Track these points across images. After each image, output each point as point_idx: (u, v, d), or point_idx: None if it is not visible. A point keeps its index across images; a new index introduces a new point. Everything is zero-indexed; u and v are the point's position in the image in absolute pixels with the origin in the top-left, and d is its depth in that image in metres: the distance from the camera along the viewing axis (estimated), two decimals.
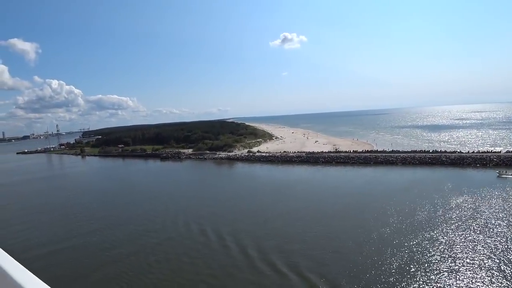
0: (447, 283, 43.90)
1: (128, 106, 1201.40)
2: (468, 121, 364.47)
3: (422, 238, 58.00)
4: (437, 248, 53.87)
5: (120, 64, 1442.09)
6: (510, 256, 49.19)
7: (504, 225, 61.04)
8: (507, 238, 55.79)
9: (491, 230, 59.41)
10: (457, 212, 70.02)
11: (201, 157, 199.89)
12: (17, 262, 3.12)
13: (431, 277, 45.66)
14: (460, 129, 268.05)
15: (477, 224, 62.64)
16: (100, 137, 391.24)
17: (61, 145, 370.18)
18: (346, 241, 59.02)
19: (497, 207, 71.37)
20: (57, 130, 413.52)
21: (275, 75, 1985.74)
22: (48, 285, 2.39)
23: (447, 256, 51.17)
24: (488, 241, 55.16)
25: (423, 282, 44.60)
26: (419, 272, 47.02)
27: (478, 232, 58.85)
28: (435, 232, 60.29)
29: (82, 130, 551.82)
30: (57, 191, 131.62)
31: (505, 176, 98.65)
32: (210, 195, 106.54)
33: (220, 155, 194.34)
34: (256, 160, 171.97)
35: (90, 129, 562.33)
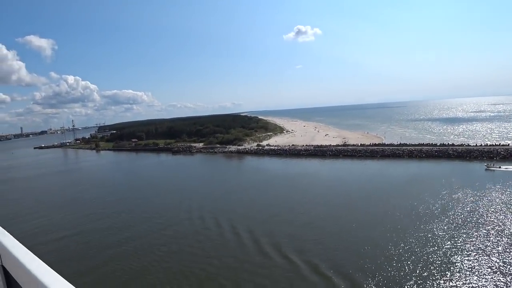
0: (436, 267, 45.77)
1: (143, 101, 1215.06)
2: (483, 114, 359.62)
3: (406, 226, 61.77)
4: (417, 233, 58.25)
5: (135, 59, 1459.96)
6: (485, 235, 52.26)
7: (482, 212, 66.33)
8: (483, 221, 61.72)
9: (471, 216, 64.69)
10: (440, 203, 74.19)
11: (212, 150, 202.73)
12: (44, 264, 3.18)
13: (415, 256, 47.88)
14: (473, 122, 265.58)
15: (458, 212, 67.46)
16: (114, 131, 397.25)
17: (76, 139, 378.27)
18: (331, 227, 61.19)
19: (477, 197, 76.06)
20: (73, 125, 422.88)
21: (289, 69, 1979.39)
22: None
23: (428, 240, 54.89)
24: (461, 225, 61.01)
25: (409, 261, 46.58)
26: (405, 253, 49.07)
27: (451, 220, 63.81)
28: (417, 222, 63.30)
29: (98, 125, 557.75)
30: (70, 187, 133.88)
31: (492, 169, 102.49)
32: (212, 188, 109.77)
33: (230, 149, 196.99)
34: (265, 154, 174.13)
35: (106, 124, 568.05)
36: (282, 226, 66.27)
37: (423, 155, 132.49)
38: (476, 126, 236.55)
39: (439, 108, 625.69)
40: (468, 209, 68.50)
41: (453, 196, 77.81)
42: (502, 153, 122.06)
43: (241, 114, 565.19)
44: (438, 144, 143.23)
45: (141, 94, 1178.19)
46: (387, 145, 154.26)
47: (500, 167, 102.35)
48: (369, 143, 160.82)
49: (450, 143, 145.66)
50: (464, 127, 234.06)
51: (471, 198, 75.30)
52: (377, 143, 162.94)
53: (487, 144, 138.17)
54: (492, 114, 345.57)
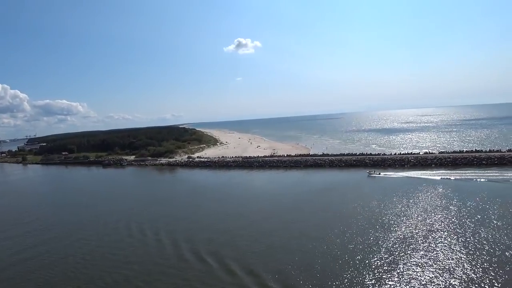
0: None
1: (78, 112, 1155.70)
2: (409, 125, 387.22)
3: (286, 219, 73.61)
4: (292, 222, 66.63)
5: (70, 67, 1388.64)
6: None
7: (351, 209, 78.23)
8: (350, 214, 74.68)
9: (341, 212, 76.28)
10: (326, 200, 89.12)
11: (142, 163, 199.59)
12: None
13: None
14: (398, 133, 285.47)
15: (333, 209, 79.33)
16: (44, 144, 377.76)
17: (2, 153, 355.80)
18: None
19: (353, 197, 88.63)
20: None
21: (230, 80, 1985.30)
22: None
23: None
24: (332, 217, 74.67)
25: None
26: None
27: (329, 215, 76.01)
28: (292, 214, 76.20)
29: (28, 137, 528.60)
30: None
31: (373, 175, 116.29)
32: (127, 200, 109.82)
33: (161, 161, 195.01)
34: (195, 166, 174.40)
35: (37, 136, 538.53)
36: (193, 230, 67.33)
37: (343, 164, 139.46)
38: (399, 136, 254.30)
39: (372, 119, 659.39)
40: (338, 203, 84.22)
41: (339, 196, 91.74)
42: (412, 161, 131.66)
43: (180, 126, 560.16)
44: (357, 154, 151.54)
45: (76, 105, 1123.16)
46: (311, 155, 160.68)
47: (379, 174, 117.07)
48: (294, 154, 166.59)
49: (368, 152, 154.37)
50: (388, 137, 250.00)
51: (350, 196, 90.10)
52: (303, 153, 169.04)
53: (400, 153, 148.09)
54: (416, 125, 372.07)
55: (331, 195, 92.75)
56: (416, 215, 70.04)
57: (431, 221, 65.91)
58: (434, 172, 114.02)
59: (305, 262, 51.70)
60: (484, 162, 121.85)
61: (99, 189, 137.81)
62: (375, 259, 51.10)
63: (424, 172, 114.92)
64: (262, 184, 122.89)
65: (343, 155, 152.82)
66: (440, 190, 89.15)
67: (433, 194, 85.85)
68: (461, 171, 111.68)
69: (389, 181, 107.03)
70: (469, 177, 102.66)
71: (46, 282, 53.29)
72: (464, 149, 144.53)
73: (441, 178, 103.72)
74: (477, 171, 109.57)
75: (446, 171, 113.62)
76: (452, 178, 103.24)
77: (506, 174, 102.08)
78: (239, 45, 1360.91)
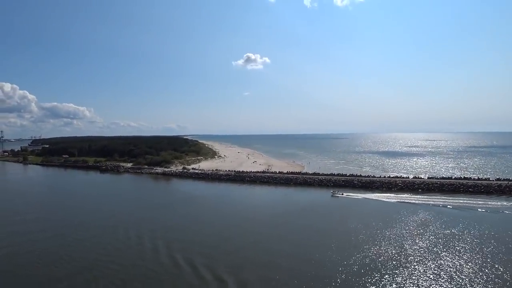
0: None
1: (85, 116, 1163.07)
2: (414, 149, 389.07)
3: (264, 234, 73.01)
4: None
5: (79, 72, 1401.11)
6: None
7: (314, 227, 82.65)
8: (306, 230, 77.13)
9: (300, 230, 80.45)
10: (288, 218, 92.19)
11: (139, 171, 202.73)
12: None
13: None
14: (399, 156, 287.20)
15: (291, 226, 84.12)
16: (47, 146, 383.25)
17: (4, 151, 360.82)
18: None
19: (315, 214, 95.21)
20: (1, 136, 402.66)
21: (237, 95, 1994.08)
22: None
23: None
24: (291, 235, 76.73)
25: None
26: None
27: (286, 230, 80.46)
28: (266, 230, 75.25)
29: (33, 138, 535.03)
30: None
31: (337, 195, 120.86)
32: (111, 206, 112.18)
33: (156, 170, 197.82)
34: (189, 177, 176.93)
35: (42, 137, 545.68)
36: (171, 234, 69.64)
37: (331, 184, 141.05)
38: (397, 159, 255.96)
39: (376, 141, 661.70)
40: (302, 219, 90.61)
41: (302, 213, 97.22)
42: (400, 184, 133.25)
43: (184, 137, 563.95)
44: (347, 175, 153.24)
45: (83, 109, 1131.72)
46: (302, 173, 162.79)
47: (342, 194, 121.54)
48: (286, 171, 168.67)
49: (359, 174, 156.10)
50: (385, 160, 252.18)
51: (310, 213, 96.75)
52: (296, 171, 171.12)
53: (389, 176, 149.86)
54: (418, 150, 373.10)
55: (299, 216, 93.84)
56: (340, 231, 77.63)
57: (353, 236, 72.93)
58: (394, 195, 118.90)
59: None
60: (470, 189, 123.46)
61: (90, 192, 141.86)
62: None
63: (388, 195, 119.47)
64: (245, 199, 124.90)
65: (333, 175, 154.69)
66: (385, 212, 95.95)
67: (373, 214, 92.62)
68: (433, 197, 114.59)
69: (349, 201, 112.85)
70: (435, 203, 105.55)
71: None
72: (454, 176, 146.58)
73: (397, 201, 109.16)
74: (448, 197, 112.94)
75: (411, 195, 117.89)
76: (415, 202, 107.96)
77: (476, 202, 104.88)
78: (248, 60, 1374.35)
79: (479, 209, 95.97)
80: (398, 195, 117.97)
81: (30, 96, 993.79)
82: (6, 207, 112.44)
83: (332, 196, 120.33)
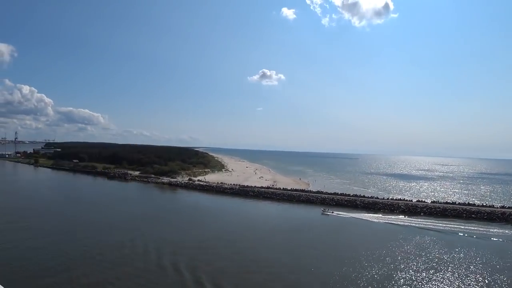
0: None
1: (99, 123, 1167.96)
2: (424, 173, 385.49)
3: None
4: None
5: (96, 78, 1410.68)
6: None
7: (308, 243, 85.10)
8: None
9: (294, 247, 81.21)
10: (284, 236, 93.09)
11: (145, 180, 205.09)
12: None
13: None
14: (407, 179, 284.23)
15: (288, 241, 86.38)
16: (59, 150, 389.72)
17: (17, 153, 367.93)
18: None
19: (309, 232, 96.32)
20: (16, 138, 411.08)
21: (251, 110, 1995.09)
22: None
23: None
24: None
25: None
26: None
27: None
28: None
29: (47, 141, 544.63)
30: None
31: (327, 213, 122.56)
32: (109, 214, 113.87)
33: (162, 180, 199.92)
34: (194, 188, 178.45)
35: (55, 141, 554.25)
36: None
37: (333, 203, 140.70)
38: (404, 182, 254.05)
39: (387, 163, 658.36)
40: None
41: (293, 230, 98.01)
42: (402, 207, 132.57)
43: (195, 149, 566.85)
44: (350, 195, 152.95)
45: (97, 116, 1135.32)
46: (306, 191, 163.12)
47: (332, 212, 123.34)
48: (290, 188, 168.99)
49: (361, 194, 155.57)
50: (392, 182, 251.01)
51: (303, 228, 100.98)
52: (300, 188, 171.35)
53: (393, 198, 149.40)
54: (428, 173, 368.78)
55: (288, 232, 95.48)
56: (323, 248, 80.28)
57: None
58: (382, 215, 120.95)
59: None
60: (473, 216, 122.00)
61: (93, 198, 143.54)
62: None
63: (378, 215, 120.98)
64: (245, 214, 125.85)
65: (336, 194, 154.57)
66: (368, 232, 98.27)
67: (356, 233, 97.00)
68: (430, 221, 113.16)
69: (338, 219, 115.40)
70: (429, 226, 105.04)
71: None
72: (458, 201, 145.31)
73: (384, 222, 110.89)
74: (446, 222, 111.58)
75: (407, 218, 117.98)
76: (403, 224, 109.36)
77: (467, 227, 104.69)
78: (264, 76, 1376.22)
79: (474, 236, 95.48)
80: (388, 216, 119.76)
81: (47, 100, 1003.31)
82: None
83: (322, 214, 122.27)
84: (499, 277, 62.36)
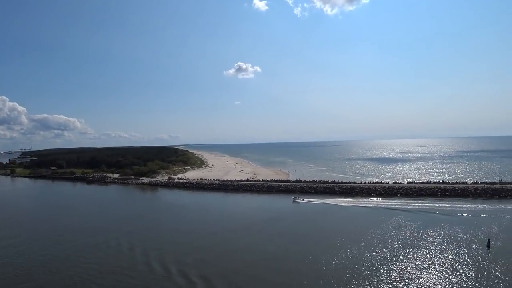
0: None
1: (76, 128, 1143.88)
2: (405, 155, 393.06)
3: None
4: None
5: (70, 83, 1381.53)
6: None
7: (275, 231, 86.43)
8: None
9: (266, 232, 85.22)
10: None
11: (125, 182, 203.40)
12: None
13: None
14: (387, 162, 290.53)
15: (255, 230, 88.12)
16: (36, 158, 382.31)
17: None
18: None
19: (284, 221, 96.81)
20: None
21: (228, 104, 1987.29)
22: None
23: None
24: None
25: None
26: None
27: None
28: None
29: (23, 150, 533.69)
30: None
31: (298, 201, 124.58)
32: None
33: (142, 181, 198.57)
34: (174, 186, 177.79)
35: (32, 149, 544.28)
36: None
37: (312, 191, 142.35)
38: (384, 165, 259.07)
39: (368, 148, 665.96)
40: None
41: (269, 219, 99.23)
42: (379, 190, 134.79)
43: (175, 147, 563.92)
44: (329, 181, 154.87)
45: (73, 121, 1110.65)
46: (285, 181, 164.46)
47: (303, 199, 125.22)
48: (270, 179, 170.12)
49: (339, 180, 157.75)
50: (371, 166, 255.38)
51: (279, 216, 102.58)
52: (279, 179, 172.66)
53: (370, 182, 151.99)
54: (408, 155, 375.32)
55: (261, 223, 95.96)
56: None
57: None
58: (352, 199, 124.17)
59: None
60: (447, 193, 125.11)
61: (72, 203, 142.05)
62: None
63: (348, 199, 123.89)
64: (223, 208, 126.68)
65: (315, 182, 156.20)
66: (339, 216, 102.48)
67: (327, 218, 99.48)
68: (402, 201, 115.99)
69: (309, 206, 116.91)
70: (399, 207, 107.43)
71: None
72: (433, 180, 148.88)
73: (351, 206, 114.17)
74: (421, 201, 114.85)
75: (378, 199, 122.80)
76: (378, 206, 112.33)
77: (441, 205, 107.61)
78: (239, 69, 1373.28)
79: (447, 213, 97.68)
80: (364, 199, 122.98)
81: (20, 108, 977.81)
82: None
83: (293, 202, 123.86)
84: (466, 249, 65.02)
